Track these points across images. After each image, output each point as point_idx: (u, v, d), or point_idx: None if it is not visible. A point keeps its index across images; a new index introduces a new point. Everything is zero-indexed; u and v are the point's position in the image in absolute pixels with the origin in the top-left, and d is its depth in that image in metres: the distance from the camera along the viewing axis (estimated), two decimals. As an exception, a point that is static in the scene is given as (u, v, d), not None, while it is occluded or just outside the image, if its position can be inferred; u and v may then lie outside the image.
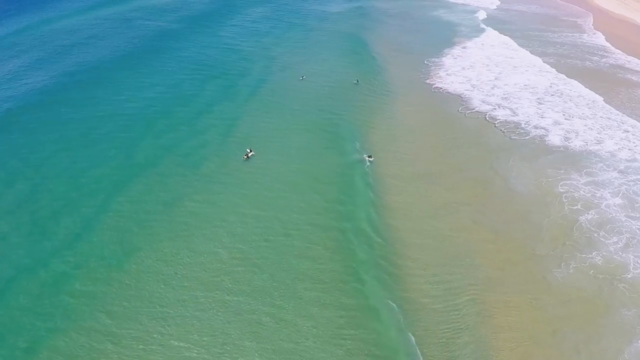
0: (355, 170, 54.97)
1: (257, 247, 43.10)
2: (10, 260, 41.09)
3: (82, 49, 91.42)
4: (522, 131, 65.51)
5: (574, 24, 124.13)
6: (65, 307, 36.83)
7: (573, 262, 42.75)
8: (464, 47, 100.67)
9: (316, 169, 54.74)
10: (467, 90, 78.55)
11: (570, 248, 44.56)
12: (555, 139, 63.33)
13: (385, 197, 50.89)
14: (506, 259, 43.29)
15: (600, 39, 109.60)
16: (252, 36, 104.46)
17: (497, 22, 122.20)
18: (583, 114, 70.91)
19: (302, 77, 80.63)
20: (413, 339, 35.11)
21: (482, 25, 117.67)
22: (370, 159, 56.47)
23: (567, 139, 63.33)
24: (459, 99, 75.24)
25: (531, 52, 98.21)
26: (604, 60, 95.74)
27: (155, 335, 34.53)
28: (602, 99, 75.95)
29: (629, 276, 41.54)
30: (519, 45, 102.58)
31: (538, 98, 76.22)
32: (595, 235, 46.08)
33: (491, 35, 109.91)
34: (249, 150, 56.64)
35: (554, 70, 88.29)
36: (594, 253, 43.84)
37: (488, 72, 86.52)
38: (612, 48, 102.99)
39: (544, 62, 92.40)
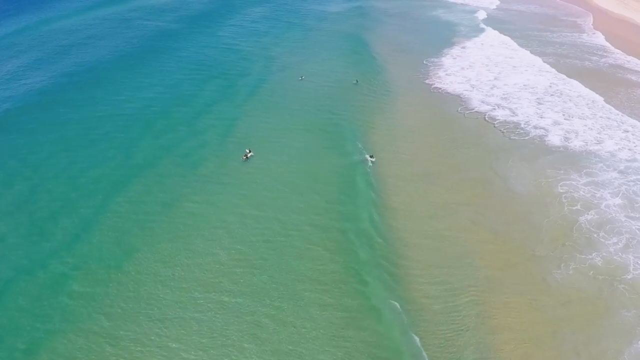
0: (356, 170, 54.86)
1: (256, 247, 43.00)
2: (9, 261, 40.99)
3: (80, 49, 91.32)
4: (522, 131, 65.44)
5: (574, 23, 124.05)
6: (64, 308, 36.72)
7: (573, 263, 42.67)
8: (463, 47, 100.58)
9: (316, 169, 54.65)
10: (467, 90, 78.48)
11: (570, 249, 44.48)
12: (554, 139, 63.26)
13: (385, 198, 50.84)
14: (506, 260, 43.21)
15: (599, 39, 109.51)
16: (251, 36, 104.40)
17: (496, 22, 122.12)
18: (583, 114, 70.84)
19: (301, 77, 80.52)
20: (418, 340, 35.01)
21: (482, 25, 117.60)
22: (372, 159, 56.34)
23: (566, 139, 63.27)
24: (458, 99, 75.16)
25: (531, 52, 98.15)
26: (603, 60, 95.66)
27: (153, 337, 34.42)
28: (601, 98, 75.86)
29: (628, 277, 41.46)
30: (518, 45, 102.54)
31: (537, 98, 76.15)
32: (595, 235, 46.01)
33: (490, 35, 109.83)
34: (248, 151, 56.53)
35: (553, 70, 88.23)
36: (593, 254, 43.76)
37: (487, 72, 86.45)
38: (612, 48, 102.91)
39: (543, 61, 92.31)
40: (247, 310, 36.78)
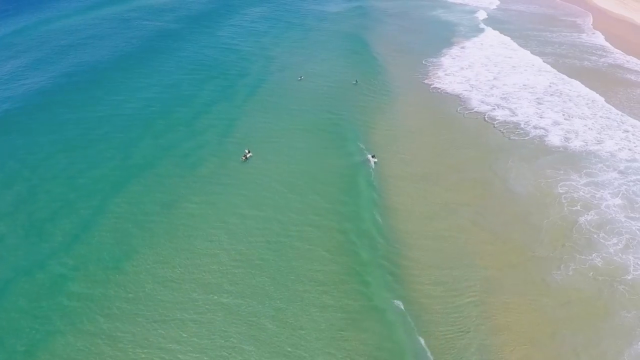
0: (357, 170, 54.84)
1: (256, 248, 42.97)
2: (8, 262, 40.93)
3: (80, 49, 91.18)
4: (522, 131, 65.39)
5: (573, 23, 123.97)
6: (64, 309, 36.67)
7: (572, 264, 42.64)
8: (463, 47, 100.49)
9: (316, 170, 54.59)
10: (466, 90, 78.41)
11: (570, 249, 44.44)
12: (554, 139, 63.21)
13: (386, 198, 50.79)
14: (505, 261, 43.16)
15: (599, 39, 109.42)
16: (250, 36, 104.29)
17: (495, 22, 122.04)
18: (583, 113, 70.79)
19: (300, 77, 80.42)
20: (422, 341, 34.96)
21: (481, 25, 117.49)
22: (374, 159, 56.21)
23: (566, 139, 63.21)
24: (457, 99, 75.09)
25: (530, 52, 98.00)
26: (603, 59, 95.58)
27: (153, 339, 34.37)
28: (601, 98, 75.80)
29: (628, 277, 41.42)
30: (518, 45, 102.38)
31: (537, 98, 76.09)
32: (595, 236, 45.97)
33: (490, 35, 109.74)
34: (247, 151, 56.44)
35: (553, 70, 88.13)
36: (593, 254, 43.72)
37: (487, 72, 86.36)
38: (612, 47, 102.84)
39: (543, 61, 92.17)
40: (247, 311, 36.73)
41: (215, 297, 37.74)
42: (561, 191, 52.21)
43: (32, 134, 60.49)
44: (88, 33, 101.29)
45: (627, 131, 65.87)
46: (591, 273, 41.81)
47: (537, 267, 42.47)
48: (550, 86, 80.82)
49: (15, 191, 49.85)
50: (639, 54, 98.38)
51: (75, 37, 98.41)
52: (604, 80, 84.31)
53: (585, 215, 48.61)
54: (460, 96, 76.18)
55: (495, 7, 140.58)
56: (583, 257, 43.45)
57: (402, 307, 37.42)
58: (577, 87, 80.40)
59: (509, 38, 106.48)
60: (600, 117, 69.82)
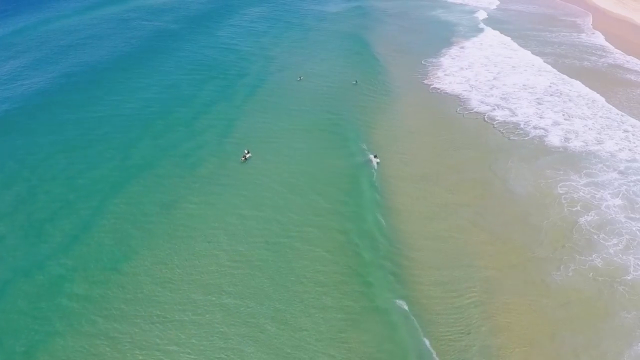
0: (359, 171, 54.73)
1: (256, 249, 42.87)
2: (7, 262, 40.87)
3: (79, 49, 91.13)
4: (521, 132, 65.32)
5: (573, 23, 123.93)
6: (63, 310, 36.59)
7: (572, 265, 42.58)
8: (462, 47, 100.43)
9: (317, 170, 54.48)
10: (466, 90, 78.33)
11: (570, 250, 44.37)
12: (554, 139, 63.14)
13: (387, 198, 50.68)
14: (505, 261, 43.09)
15: (599, 39, 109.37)
16: (249, 36, 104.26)
17: (495, 22, 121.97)
18: (583, 114, 70.72)
19: (300, 77, 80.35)
20: (428, 342, 34.90)
21: (481, 25, 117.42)
22: (376, 159, 56.06)
23: (566, 139, 63.13)
24: (457, 100, 75.01)
25: (530, 52, 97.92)
26: (603, 59, 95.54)
27: (152, 340, 34.30)
28: (601, 98, 75.69)
29: (628, 278, 41.35)
30: (517, 45, 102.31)
31: (537, 98, 76.01)
32: (595, 237, 45.91)
33: (489, 35, 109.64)
34: (246, 152, 56.36)
35: (553, 70, 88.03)
36: (593, 255, 43.66)
37: (486, 72, 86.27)
38: (611, 47, 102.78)
39: (543, 62, 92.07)
40: (247, 312, 36.65)
41: (215, 298, 37.66)
42: (561, 191, 52.16)
43: (31, 134, 60.43)
44: (87, 33, 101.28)
45: (627, 131, 65.79)
46: (591, 274, 41.74)
47: (537, 267, 42.42)
48: (550, 86, 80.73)
49: (15, 191, 49.78)
50: (639, 54, 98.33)
51: (74, 37, 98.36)
52: (603, 80, 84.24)
53: (585, 216, 48.54)
54: (460, 96, 76.11)
55: (495, 7, 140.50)
56: (583, 257, 43.40)
57: (405, 307, 37.31)
58: (577, 87, 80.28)
59: (509, 38, 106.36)
60: (600, 117, 69.75)
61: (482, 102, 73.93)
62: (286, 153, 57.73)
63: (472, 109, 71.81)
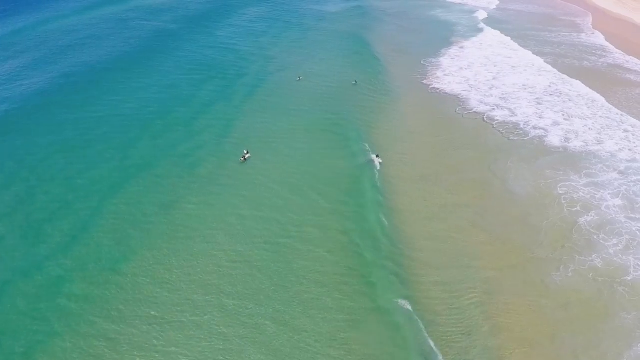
0: (360, 171, 54.57)
1: (256, 249, 42.75)
2: (6, 263, 40.73)
3: (78, 49, 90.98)
4: (521, 132, 65.24)
5: (573, 23, 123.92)
6: (62, 311, 36.44)
7: (572, 265, 42.50)
8: (462, 47, 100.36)
9: (317, 170, 54.33)
10: (465, 90, 78.25)
11: (570, 250, 44.28)
12: (554, 139, 63.06)
13: (388, 199, 50.59)
14: (505, 262, 43.00)
15: (599, 39, 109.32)
16: (249, 36, 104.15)
17: (495, 21, 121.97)
18: (582, 114, 70.64)
19: (299, 77, 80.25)
20: (432, 343, 34.78)
21: (480, 25, 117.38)
22: (379, 159, 55.88)
23: (566, 139, 63.06)
24: (456, 100, 74.94)
25: (530, 52, 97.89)
26: (602, 59, 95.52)
27: (152, 341, 34.19)
28: (601, 98, 75.60)
29: (629, 279, 41.26)
30: (517, 45, 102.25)
31: (537, 98, 75.94)
32: (595, 237, 45.83)
33: (489, 35, 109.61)
34: (245, 152, 56.25)
35: (553, 70, 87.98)
36: (593, 255, 43.58)
37: (486, 72, 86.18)
38: (611, 47, 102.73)
39: (543, 62, 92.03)
40: (247, 313, 36.51)
41: (214, 299, 37.56)
42: (561, 192, 52.09)
43: (30, 134, 60.31)
44: (86, 33, 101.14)
45: (627, 131, 65.70)
46: (591, 274, 41.66)
47: (537, 268, 42.34)
48: (549, 86, 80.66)
49: (14, 192, 49.66)
50: (639, 54, 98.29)
51: (73, 37, 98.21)
52: (603, 80, 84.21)
53: (585, 216, 48.47)
54: (459, 96, 76.03)
55: (494, 7, 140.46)
56: (583, 258, 43.33)
57: (409, 307, 37.20)
58: (577, 87, 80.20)
59: (509, 38, 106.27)
60: (600, 117, 69.68)
61: (481, 102, 73.85)
62: (286, 153, 57.64)
63: (472, 109, 71.73)
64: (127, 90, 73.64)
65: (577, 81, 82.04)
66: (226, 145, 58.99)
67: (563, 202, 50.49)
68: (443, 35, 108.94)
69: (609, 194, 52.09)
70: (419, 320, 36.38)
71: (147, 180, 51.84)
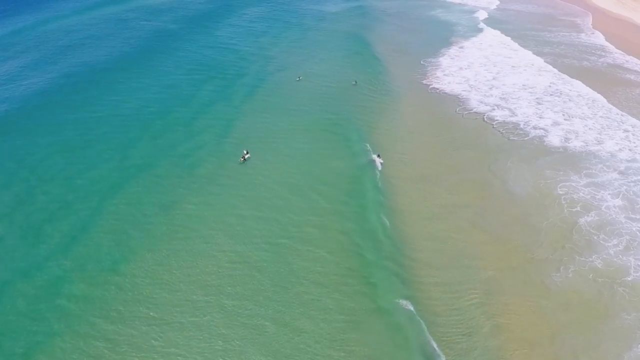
0: (361, 171, 54.56)
1: (256, 249, 42.70)
2: (6, 263, 40.70)
3: (78, 49, 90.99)
4: (521, 132, 65.19)
5: (573, 23, 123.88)
6: (61, 311, 36.42)
7: (572, 266, 42.45)
8: (461, 47, 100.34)
9: (317, 170, 54.27)
10: (465, 90, 78.21)
11: (570, 251, 44.23)
12: (554, 139, 63.01)
13: (388, 199, 50.53)
14: (505, 262, 42.95)
15: (599, 39, 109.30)
16: (248, 36, 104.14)
17: (494, 21, 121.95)
18: (583, 113, 70.60)
19: (299, 77, 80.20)
20: (434, 344, 34.71)
21: (480, 25, 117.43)
22: (380, 159, 55.81)
23: (566, 139, 63.02)
24: (456, 100, 74.90)
25: (530, 52, 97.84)
26: (602, 59, 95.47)
27: (151, 341, 34.14)
28: (601, 98, 75.60)
29: (629, 279, 41.22)
30: (517, 45, 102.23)
31: (537, 98, 75.90)
32: (595, 237, 45.79)
33: (489, 34, 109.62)
34: (245, 152, 56.19)
35: (553, 69, 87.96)
36: (593, 256, 43.54)
37: (486, 72, 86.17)
38: (611, 47, 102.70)
39: (544, 61, 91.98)
40: (247, 314, 36.47)
41: (214, 300, 37.51)
42: (561, 192, 52.05)
43: (30, 134, 60.27)
44: (86, 33, 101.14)
45: (627, 131, 65.67)
46: (591, 275, 41.62)
47: (537, 268, 42.30)
48: (549, 86, 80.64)
49: (13, 192, 49.63)
50: (639, 54, 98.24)
51: (73, 37, 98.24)
52: (603, 80, 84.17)
53: (585, 217, 48.42)
54: (459, 96, 75.99)
55: (494, 7, 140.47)
56: (583, 258, 43.29)
57: (410, 307, 37.13)
58: (577, 87, 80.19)
59: (509, 38, 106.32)
60: (600, 117, 69.64)
61: (481, 102, 73.80)
62: (286, 153, 57.59)
63: (472, 109, 71.68)
64: (127, 90, 73.63)
65: (577, 81, 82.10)
66: (226, 145, 58.95)
67: (563, 202, 50.45)
68: (443, 35, 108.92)
69: (609, 194, 52.04)
70: (420, 321, 36.33)
71: (147, 180, 51.81)
